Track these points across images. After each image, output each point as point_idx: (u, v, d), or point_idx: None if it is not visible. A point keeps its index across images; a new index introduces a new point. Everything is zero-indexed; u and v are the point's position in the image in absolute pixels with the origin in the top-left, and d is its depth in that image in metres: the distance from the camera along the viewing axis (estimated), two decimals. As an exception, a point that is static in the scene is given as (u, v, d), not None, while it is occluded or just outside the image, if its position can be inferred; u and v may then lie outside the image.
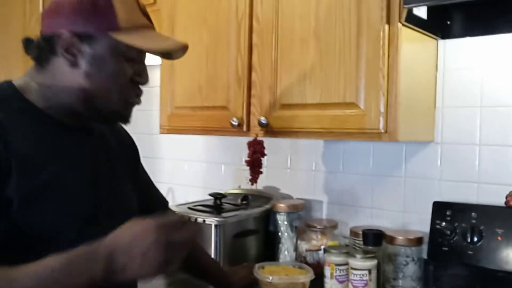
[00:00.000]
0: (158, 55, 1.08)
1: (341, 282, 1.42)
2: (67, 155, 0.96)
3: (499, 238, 1.38)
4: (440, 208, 1.51)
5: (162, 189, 2.33)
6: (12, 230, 0.82)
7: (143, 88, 1.04)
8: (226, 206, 1.81)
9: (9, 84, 0.97)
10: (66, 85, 0.95)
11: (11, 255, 0.80)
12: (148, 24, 1.00)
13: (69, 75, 0.95)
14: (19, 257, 0.76)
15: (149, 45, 0.97)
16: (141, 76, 1.01)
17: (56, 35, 0.93)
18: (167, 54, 1.06)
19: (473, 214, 1.44)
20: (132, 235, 0.78)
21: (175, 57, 1.05)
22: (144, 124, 2.43)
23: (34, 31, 1.02)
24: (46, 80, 0.96)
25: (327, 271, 1.44)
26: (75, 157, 0.97)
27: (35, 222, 0.85)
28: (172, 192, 2.38)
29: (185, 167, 2.34)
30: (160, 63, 1.93)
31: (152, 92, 2.32)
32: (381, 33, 1.34)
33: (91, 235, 0.80)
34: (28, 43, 0.98)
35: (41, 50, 0.96)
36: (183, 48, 1.04)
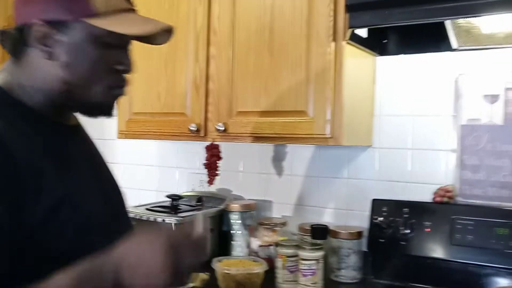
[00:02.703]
0: (139, 40, 0.97)
1: (291, 272, 1.57)
2: (72, 161, 0.92)
3: (427, 229, 1.59)
4: (377, 205, 1.70)
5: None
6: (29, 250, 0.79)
7: (127, 77, 0.96)
8: (182, 207, 1.91)
9: None
10: (46, 79, 0.89)
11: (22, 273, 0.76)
12: (128, 7, 0.93)
13: (47, 67, 0.89)
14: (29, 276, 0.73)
15: (128, 29, 0.89)
16: (124, 63, 0.93)
17: (28, 25, 0.87)
18: (149, 39, 0.97)
19: (405, 209, 1.64)
20: (139, 253, 0.73)
21: (160, 42, 0.98)
22: (97, 128, 2.48)
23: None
24: (26, 76, 0.90)
25: (279, 263, 1.59)
26: (78, 161, 0.95)
27: (53, 240, 0.81)
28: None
29: (138, 171, 2.41)
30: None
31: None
32: (328, 49, 1.51)
33: (104, 240, 0.79)
34: (2, 36, 0.91)
35: (15, 42, 0.89)
36: (167, 31, 0.96)
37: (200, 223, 0.80)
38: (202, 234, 0.80)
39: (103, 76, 0.90)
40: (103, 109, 0.95)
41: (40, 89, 0.90)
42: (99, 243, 0.77)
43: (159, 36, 0.97)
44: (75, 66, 0.89)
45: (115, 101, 0.96)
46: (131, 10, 0.94)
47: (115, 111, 2.20)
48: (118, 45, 0.92)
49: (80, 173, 0.92)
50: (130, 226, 1.06)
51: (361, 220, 1.77)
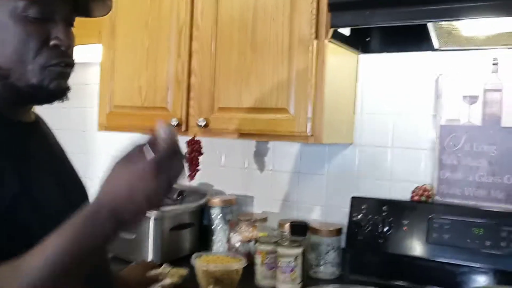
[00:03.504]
0: (77, 15, 0.93)
1: (270, 268, 1.58)
2: (29, 157, 0.91)
3: (405, 228, 1.61)
4: (357, 203, 1.72)
5: (96, 184, 2.39)
6: None
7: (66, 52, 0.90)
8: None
9: None
10: None
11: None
12: None
13: None
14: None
15: None
16: (58, 37, 0.87)
17: None
18: (87, 11, 0.95)
19: (384, 207, 1.66)
20: (128, 184, 0.73)
21: (98, 14, 0.96)
22: (78, 120, 2.46)
23: None
24: None
25: (258, 259, 1.60)
26: (37, 157, 0.93)
27: (14, 236, 0.80)
28: (106, 188, 2.43)
29: (120, 164, 2.39)
30: (99, 61, 1.99)
31: (86, 90, 2.37)
32: (310, 47, 1.51)
33: None
34: None
35: None
36: (103, 3, 0.95)
37: (162, 133, 0.77)
38: (169, 142, 0.77)
39: (36, 54, 0.85)
40: (48, 92, 0.89)
41: None
42: None
43: (96, 8, 0.96)
44: (2, 48, 0.84)
45: (59, 81, 0.89)
46: None
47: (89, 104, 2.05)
48: (46, 18, 0.86)
49: (38, 169, 0.91)
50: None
51: (340, 216, 1.79)
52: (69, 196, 0.97)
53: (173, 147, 0.76)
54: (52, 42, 0.87)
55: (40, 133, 1.02)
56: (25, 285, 0.70)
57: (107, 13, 0.98)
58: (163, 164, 0.74)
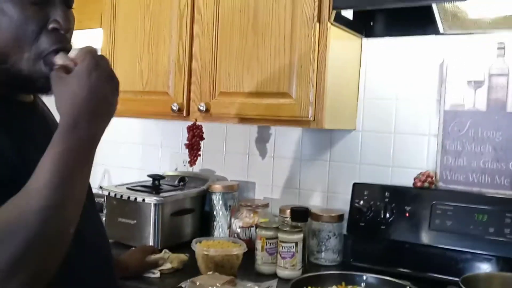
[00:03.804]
0: None
1: (271, 254, 1.57)
2: (28, 135, 0.91)
3: (407, 214, 1.59)
4: (359, 189, 1.70)
5: (98, 170, 2.39)
6: None
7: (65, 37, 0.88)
8: (164, 186, 1.90)
9: None
10: None
11: None
12: None
13: None
14: None
15: None
16: (57, 21, 0.85)
17: None
18: None
19: (386, 193, 1.64)
20: (84, 90, 0.75)
21: None
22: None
23: None
24: None
25: (259, 245, 1.58)
26: (35, 136, 0.93)
27: None
28: (108, 174, 2.43)
29: (122, 150, 2.39)
30: (100, 46, 1.97)
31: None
32: (313, 30, 1.49)
33: None
34: None
35: None
36: None
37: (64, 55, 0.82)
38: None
39: (34, 40, 0.84)
40: (34, 87, 0.88)
41: None
42: None
43: None
44: (0, 32, 0.82)
45: (47, 80, 0.84)
46: None
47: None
48: (45, 1, 0.84)
49: (37, 147, 0.88)
50: (90, 195, 1.04)
51: (343, 203, 1.77)
52: None
53: (85, 52, 0.79)
54: (50, 26, 0.84)
55: (39, 113, 1.01)
56: (36, 206, 0.72)
57: None
58: (94, 63, 0.77)
